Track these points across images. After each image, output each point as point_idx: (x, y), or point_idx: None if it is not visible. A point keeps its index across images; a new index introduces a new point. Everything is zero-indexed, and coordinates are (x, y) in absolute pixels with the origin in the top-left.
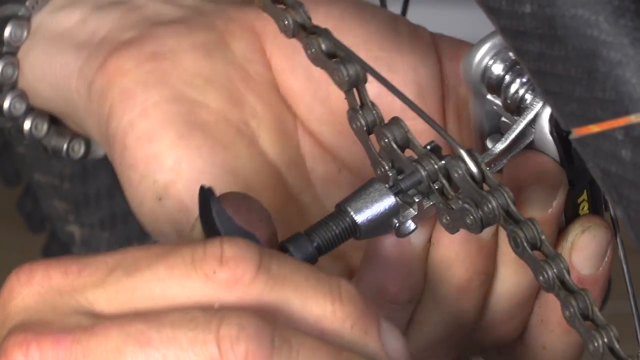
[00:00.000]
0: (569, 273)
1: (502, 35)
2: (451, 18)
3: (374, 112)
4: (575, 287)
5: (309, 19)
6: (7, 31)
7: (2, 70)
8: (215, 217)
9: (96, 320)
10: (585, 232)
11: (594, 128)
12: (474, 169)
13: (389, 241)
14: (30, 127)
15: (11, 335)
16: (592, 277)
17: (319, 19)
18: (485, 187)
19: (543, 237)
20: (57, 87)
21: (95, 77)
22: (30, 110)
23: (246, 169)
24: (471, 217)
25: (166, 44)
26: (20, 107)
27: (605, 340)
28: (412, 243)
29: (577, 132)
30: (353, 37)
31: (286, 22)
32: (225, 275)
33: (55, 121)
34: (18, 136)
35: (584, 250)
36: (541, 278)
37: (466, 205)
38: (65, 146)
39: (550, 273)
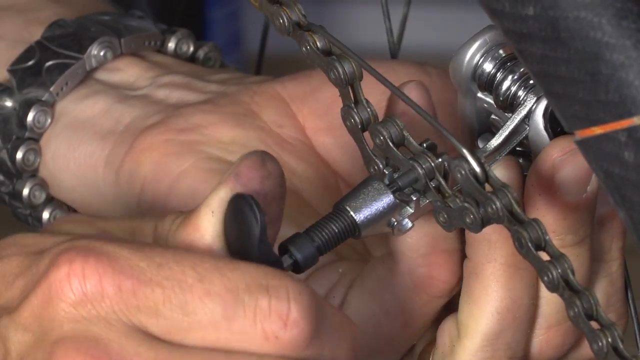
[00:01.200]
0: (573, 273)
1: (505, 37)
2: (453, 20)
3: (369, 109)
4: (579, 287)
5: (304, 16)
6: (30, 116)
7: (23, 156)
8: (256, 241)
9: (157, 353)
10: (568, 155)
11: (597, 130)
12: (477, 169)
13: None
14: (49, 218)
15: (61, 347)
16: (575, 202)
17: None
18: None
19: (547, 237)
20: (81, 176)
21: (124, 161)
22: (50, 200)
23: (298, 213)
24: (471, 216)
25: (193, 120)
26: (40, 196)
27: (610, 340)
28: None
29: (580, 134)
30: None
31: (282, 21)
32: (287, 338)
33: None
34: (35, 224)
35: (567, 168)
36: (546, 278)
37: (466, 204)
38: None
39: (554, 273)
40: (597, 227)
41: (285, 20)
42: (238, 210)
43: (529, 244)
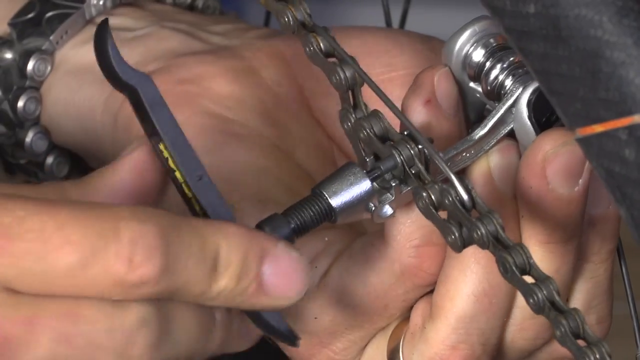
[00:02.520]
0: (559, 294)
1: (506, 35)
2: (453, 19)
3: (366, 114)
4: (565, 307)
5: (309, 16)
6: (30, 65)
7: (24, 104)
8: (113, 61)
9: (20, 310)
10: (560, 147)
11: (598, 128)
12: (464, 196)
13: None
14: (52, 165)
15: None
16: (568, 197)
17: (353, 46)
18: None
19: (532, 261)
20: (81, 120)
21: (122, 107)
22: (53, 148)
23: (288, 175)
24: (452, 236)
25: (194, 71)
26: (43, 144)
27: (598, 356)
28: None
29: (581, 132)
30: (389, 57)
31: (287, 19)
32: (133, 280)
33: (76, 162)
34: (37, 172)
35: (557, 161)
36: (531, 301)
37: (449, 224)
38: None
39: (540, 295)
40: (587, 228)
41: (291, 19)
42: (98, 46)
43: (514, 269)
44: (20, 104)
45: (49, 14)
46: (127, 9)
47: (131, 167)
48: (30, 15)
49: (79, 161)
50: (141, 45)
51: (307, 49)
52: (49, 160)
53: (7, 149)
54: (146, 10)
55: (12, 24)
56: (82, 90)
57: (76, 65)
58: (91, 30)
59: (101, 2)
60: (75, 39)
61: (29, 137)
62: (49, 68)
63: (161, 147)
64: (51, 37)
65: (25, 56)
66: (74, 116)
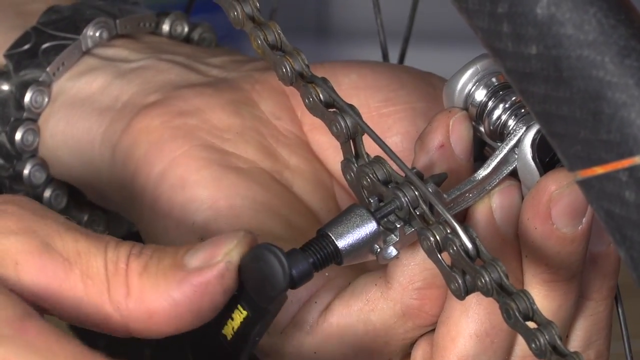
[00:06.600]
0: (560, 339)
1: (507, 77)
2: (451, 59)
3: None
4: (566, 351)
5: (307, 67)
6: (27, 96)
7: (22, 136)
8: (277, 292)
9: None
10: (564, 188)
11: (599, 170)
12: (468, 245)
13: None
14: (50, 198)
15: None
16: (571, 235)
17: (353, 80)
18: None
19: (535, 307)
20: (79, 153)
21: (120, 139)
22: (51, 181)
23: (287, 209)
24: (456, 284)
25: (192, 103)
26: (41, 177)
27: None
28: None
29: (581, 174)
30: (389, 91)
31: (284, 70)
32: None
33: (74, 194)
34: None
35: (562, 202)
36: (533, 346)
37: (453, 272)
38: (84, 221)
39: (542, 340)
40: (589, 265)
41: (289, 71)
42: (260, 258)
43: (517, 315)
44: (18, 135)
45: (45, 45)
46: (123, 41)
47: (196, 286)
48: (26, 47)
49: (77, 194)
50: (139, 77)
51: (307, 100)
52: (47, 192)
53: (5, 181)
54: (142, 42)
55: (8, 55)
56: (80, 122)
57: (74, 97)
58: (88, 62)
59: (97, 34)
60: (71, 71)
61: (27, 169)
62: (46, 99)
63: (240, 309)
64: (48, 69)
65: (22, 87)
66: (72, 148)
